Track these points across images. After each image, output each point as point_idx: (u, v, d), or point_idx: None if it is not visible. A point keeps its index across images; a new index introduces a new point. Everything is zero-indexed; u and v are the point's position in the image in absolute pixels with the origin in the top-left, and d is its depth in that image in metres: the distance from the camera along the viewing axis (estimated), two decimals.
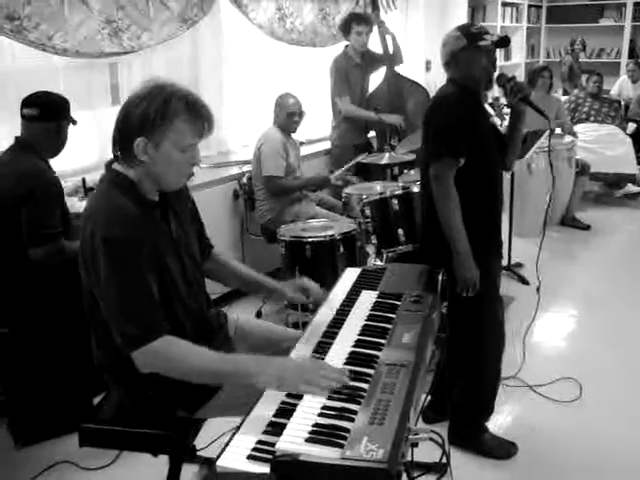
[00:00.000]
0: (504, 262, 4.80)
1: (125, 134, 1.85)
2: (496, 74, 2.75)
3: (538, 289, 3.26)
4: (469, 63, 2.62)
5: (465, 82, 2.65)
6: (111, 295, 1.79)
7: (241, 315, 2.42)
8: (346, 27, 5.16)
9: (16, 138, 2.96)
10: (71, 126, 3.04)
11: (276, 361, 1.76)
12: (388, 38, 5.40)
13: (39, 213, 2.79)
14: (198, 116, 1.87)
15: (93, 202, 1.94)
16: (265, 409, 1.61)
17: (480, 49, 2.60)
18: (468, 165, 2.59)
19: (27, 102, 2.92)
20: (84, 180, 3.60)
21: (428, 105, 2.76)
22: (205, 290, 2.22)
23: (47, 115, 2.91)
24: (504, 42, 2.67)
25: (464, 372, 2.87)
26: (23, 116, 2.92)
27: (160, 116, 1.81)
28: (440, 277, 2.29)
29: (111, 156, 1.95)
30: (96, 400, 2.67)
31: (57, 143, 2.98)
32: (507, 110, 5.76)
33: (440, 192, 2.58)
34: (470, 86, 2.66)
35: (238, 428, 1.55)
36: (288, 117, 4.38)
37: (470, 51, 2.60)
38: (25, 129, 2.93)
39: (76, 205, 3.54)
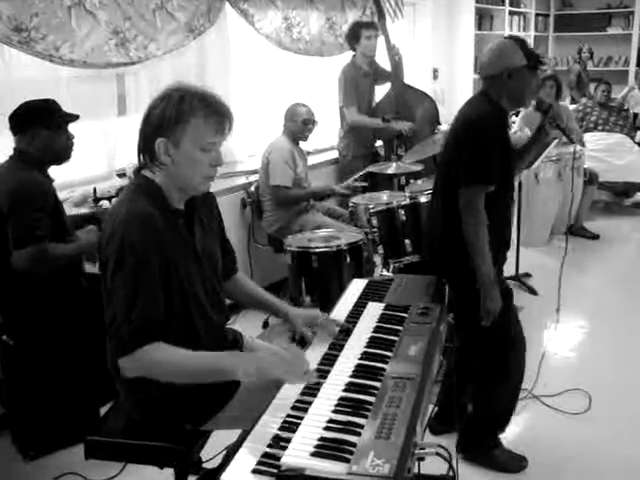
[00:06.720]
0: (512, 272, 4.81)
1: (147, 136, 1.88)
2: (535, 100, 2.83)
3: (558, 310, 3.54)
4: (525, 83, 2.60)
5: (503, 100, 2.60)
6: (113, 298, 1.79)
7: (247, 336, 2.40)
8: (355, 35, 5.14)
9: (14, 149, 2.89)
10: (78, 131, 2.97)
11: (250, 355, 2.01)
12: (397, 58, 5.36)
13: (21, 218, 2.70)
14: (216, 113, 1.88)
15: (117, 206, 1.95)
16: (270, 422, 1.60)
17: (536, 72, 2.61)
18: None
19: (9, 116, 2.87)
20: (95, 190, 3.52)
21: (461, 121, 2.65)
22: (224, 304, 2.19)
23: (17, 127, 2.85)
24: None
25: (483, 387, 2.81)
26: None
27: (176, 114, 1.83)
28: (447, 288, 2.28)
29: (124, 165, 1.96)
30: (102, 411, 2.67)
31: (46, 151, 2.85)
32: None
33: (472, 220, 2.50)
34: (504, 105, 2.62)
35: (238, 442, 1.54)
36: (303, 124, 4.39)
37: (529, 72, 2.59)
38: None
39: None
